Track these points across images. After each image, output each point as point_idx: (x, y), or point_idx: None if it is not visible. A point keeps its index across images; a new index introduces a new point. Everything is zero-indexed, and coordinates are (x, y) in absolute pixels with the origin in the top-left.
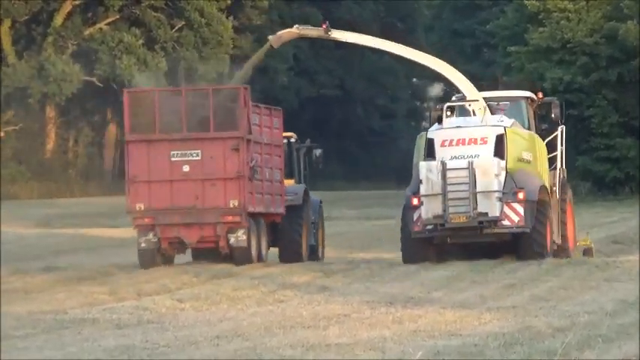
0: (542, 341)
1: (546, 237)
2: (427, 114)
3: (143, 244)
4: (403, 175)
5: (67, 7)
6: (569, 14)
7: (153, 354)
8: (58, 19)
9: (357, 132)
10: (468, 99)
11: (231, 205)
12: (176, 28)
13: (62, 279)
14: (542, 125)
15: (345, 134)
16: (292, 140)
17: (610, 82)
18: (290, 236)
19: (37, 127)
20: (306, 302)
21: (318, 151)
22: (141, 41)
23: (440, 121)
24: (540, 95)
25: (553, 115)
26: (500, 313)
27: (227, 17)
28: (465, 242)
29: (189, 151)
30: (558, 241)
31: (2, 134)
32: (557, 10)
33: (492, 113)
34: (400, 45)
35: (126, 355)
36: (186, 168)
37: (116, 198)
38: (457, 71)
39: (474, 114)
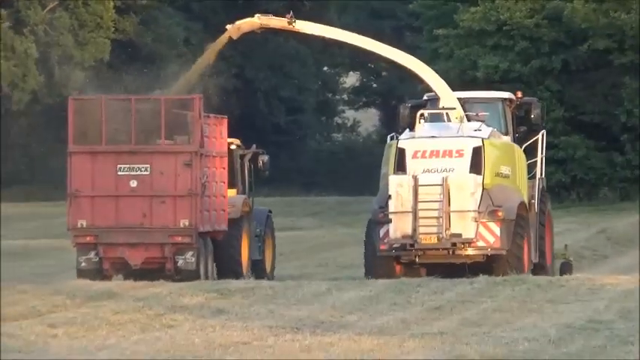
0: None
1: (523, 259)
2: (397, 113)
3: (83, 264)
4: (312, 179)
5: None
6: None
7: None
8: None
9: (259, 129)
10: (444, 106)
11: (182, 225)
12: (48, 8)
13: None
14: (520, 128)
15: (244, 131)
16: (233, 147)
17: (554, 71)
18: (226, 252)
19: None
20: (199, 328)
21: (264, 158)
22: (7, 24)
23: (411, 127)
24: (519, 95)
25: (533, 117)
26: (425, 340)
27: None
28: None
29: (137, 165)
30: (535, 259)
31: None
32: None
33: (469, 119)
34: (371, 40)
35: None
36: (133, 183)
37: None
38: (433, 72)
39: (449, 118)
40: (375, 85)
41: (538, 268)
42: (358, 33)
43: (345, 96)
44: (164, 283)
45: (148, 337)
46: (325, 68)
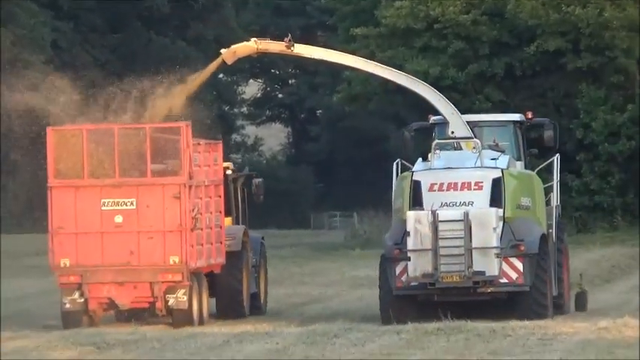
0: None
1: (547, 295)
2: (401, 137)
3: (68, 305)
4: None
5: None
6: None
7: None
8: None
9: None
10: (454, 131)
11: (171, 262)
12: None
13: None
14: (532, 151)
15: None
16: (228, 172)
17: (495, 77)
18: (229, 287)
19: None
20: None
21: (257, 180)
22: None
23: (423, 155)
24: (530, 115)
25: (546, 139)
26: None
27: None
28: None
29: (122, 199)
30: (555, 292)
31: None
32: None
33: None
34: (376, 63)
35: None
36: (118, 218)
37: None
38: (442, 96)
39: (460, 147)
40: (280, 96)
41: (555, 307)
42: (260, 34)
43: (244, 109)
44: (29, 335)
45: None
46: (220, 75)
